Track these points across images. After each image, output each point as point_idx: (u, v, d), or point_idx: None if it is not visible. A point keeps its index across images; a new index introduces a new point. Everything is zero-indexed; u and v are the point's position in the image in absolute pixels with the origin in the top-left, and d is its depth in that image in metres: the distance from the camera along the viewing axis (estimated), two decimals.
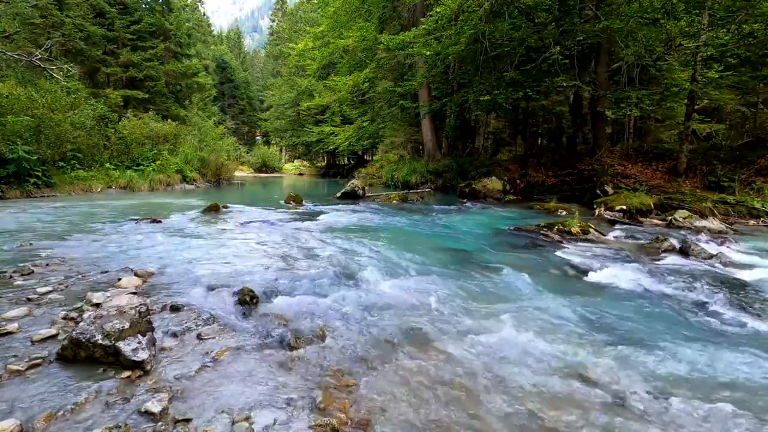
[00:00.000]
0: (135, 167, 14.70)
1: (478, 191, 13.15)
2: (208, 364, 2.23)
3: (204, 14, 60.39)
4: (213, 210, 8.06)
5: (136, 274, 3.61)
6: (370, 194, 12.82)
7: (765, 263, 5.00)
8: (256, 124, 51.52)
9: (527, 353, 2.57)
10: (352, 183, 12.60)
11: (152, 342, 2.25)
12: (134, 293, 2.94)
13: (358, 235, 6.28)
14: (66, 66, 12.26)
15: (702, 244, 5.55)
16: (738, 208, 8.77)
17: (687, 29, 10.00)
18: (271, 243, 5.35)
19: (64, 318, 2.62)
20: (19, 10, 15.44)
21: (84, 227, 6.06)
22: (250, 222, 7.03)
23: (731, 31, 9.17)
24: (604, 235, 6.74)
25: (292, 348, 2.48)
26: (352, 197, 12.05)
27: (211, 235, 5.80)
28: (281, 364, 2.30)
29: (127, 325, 2.19)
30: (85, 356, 2.12)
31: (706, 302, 3.65)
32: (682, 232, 7.12)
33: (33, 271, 3.59)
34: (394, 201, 11.80)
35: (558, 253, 5.40)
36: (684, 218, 7.83)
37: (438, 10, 11.00)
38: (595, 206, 9.46)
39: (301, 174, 41.07)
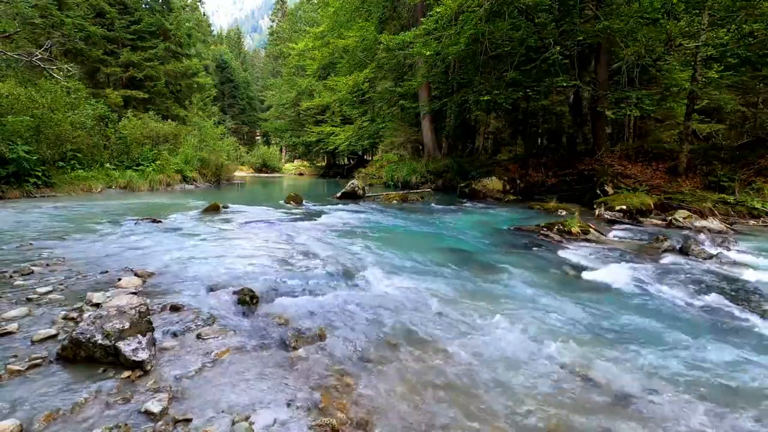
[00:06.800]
0: (135, 167, 14.69)
1: (478, 191, 13.15)
2: (208, 364, 2.23)
3: (204, 14, 60.35)
4: (213, 210, 8.06)
5: (136, 274, 3.60)
6: (370, 194, 12.81)
7: (765, 263, 5.01)
8: (256, 124, 51.53)
9: (527, 353, 2.57)
10: (352, 183, 12.58)
11: (152, 342, 2.25)
12: (134, 293, 2.94)
13: (358, 235, 6.29)
14: (66, 66, 12.27)
15: (702, 245, 5.55)
16: (738, 208, 8.77)
17: (687, 29, 10.00)
18: (271, 243, 5.34)
19: (64, 318, 2.62)
20: (19, 10, 15.45)
21: (84, 227, 6.06)
22: (250, 222, 7.03)
23: (731, 31, 9.17)
24: (604, 235, 6.74)
25: (292, 348, 2.48)
26: (352, 197, 12.04)
27: (211, 235, 5.79)
28: (281, 364, 2.30)
29: (127, 325, 2.19)
30: (85, 356, 2.12)
31: (706, 302, 3.65)
32: (683, 232, 7.12)
33: (33, 271, 3.58)
34: (394, 201, 11.80)
35: (558, 253, 5.40)
36: (684, 218, 7.83)
37: (438, 10, 11.01)
38: (595, 206, 9.46)
39: (301, 174, 41.07)
